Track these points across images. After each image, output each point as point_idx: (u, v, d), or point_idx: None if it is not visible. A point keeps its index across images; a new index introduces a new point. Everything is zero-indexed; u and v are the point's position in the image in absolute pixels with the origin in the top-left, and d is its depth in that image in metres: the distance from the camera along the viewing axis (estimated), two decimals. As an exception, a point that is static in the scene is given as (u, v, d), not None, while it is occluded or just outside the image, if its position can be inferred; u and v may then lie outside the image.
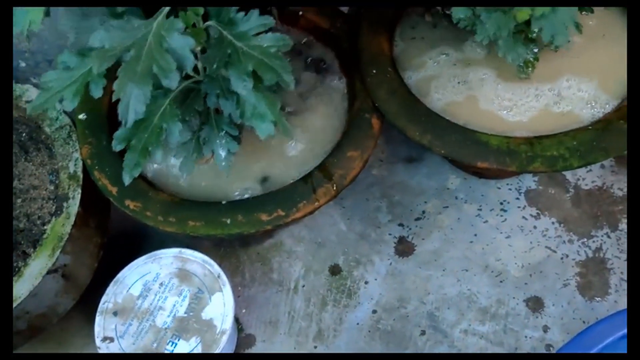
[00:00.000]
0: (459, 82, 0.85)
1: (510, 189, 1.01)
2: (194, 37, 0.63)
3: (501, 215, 1.00)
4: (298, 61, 0.92)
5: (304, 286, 0.97)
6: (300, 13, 0.92)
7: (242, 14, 0.65)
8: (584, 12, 0.77)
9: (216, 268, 0.83)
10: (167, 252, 0.84)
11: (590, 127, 0.77)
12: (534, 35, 0.70)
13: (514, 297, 0.93)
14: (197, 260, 0.83)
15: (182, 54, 0.58)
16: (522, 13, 0.64)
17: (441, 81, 0.85)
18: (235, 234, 0.77)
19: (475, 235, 0.98)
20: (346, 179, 0.81)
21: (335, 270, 0.98)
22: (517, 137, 0.78)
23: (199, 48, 0.66)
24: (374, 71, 0.85)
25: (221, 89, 0.67)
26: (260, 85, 0.62)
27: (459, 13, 0.71)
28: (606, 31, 0.84)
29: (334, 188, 0.80)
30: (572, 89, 0.81)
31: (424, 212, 1.01)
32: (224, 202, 0.78)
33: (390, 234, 1.00)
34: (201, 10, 0.65)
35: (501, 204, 1.00)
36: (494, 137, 0.78)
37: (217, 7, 0.66)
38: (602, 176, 1.01)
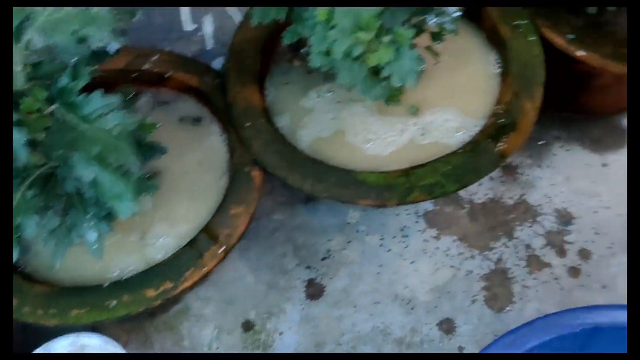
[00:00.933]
0: (332, 119, 0.85)
1: (408, 214, 1.02)
2: (36, 124, 0.60)
3: (403, 242, 1.00)
4: (172, 120, 0.90)
5: (217, 348, 0.94)
6: (168, 75, 0.90)
7: (84, 95, 0.63)
8: (436, 42, 0.80)
9: (119, 348, 0.79)
10: (61, 342, 0.79)
11: (460, 151, 0.79)
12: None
13: (426, 323, 0.93)
14: (96, 344, 0.79)
15: (15, 148, 0.55)
16: (371, 60, 0.65)
17: (314, 120, 0.85)
18: (123, 316, 0.74)
19: (381, 265, 0.99)
20: (233, 238, 0.79)
21: (248, 326, 0.95)
22: (393, 171, 0.79)
23: (43, 135, 0.63)
24: (248, 123, 0.84)
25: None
26: (111, 166, 0.60)
27: (315, 62, 0.71)
28: (462, 54, 0.87)
29: (222, 249, 0.78)
30: (438, 118, 0.83)
31: (329, 250, 1.00)
32: (106, 285, 0.75)
33: (299, 279, 0.99)
34: (44, 94, 0.63)
35: (402, 230, 1.01)
36: (371, 174, 0.78)
37: (60, 89, 0.64)
38: (493, 188, 1.03)
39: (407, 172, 0.78)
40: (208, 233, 0.79)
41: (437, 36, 0.78)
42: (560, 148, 1.06)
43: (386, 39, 0.63)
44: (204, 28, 1.01)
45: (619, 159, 1.04)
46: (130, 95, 0.88)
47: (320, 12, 0.66)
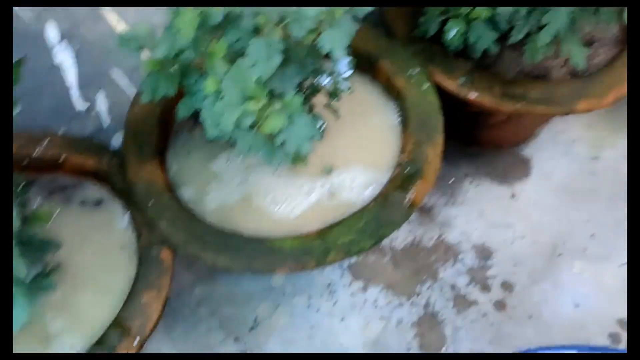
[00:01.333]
0: (239, 184, 0.83)
1: (333, 268, 1.01)
2: None
3: (331, 299, 0.98)
4: (71, 206, 0.85)
5: None
6: (62, 159, 0.85)
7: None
8: (333, 100, 0.80)
9: None
10: None
11: (371, 206, 0.78)
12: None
13: (363, 381, 0.91)
14: None
15: None
16: (265, 128, 0.63)
17: (221, 187, 0.83)
18: None
19: (312, 327, 0.96)
20: (147, 327, 0.74)
21: (177, 413, 0.89)
22: (307, 234, 0.77)
23: None
24: (151, 202, 0.80)
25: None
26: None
27: (211, 134, 0.69)
28: (363, 108, 0.88)
29: (137, 341, 0.73)
30: (346, 174, 0.82)
31: (256, 319, 0.96)
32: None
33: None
34: None
35: (328, 286, 0.99)
36: (286, 240, 0.76)
37: None
38: (412, 231, 1.04)
39: (322, 233, 0.77)
40: (118, 327, 0.73)
41: (333, 95, 0.78)
42: (471, 184, 1.08)
43: (277, 106, 0.62)
44: (98, 105, 0.97)
45: (525, 188, 1.08)
46: (21, 186, 0.82)
47: (209, 83, 0.64)
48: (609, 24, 0.75)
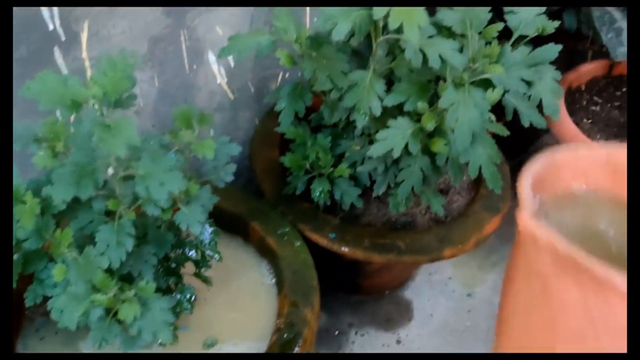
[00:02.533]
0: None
1: None
2: None
3: None
4: None
5: None
6: None
7: None
8: (202, 269, 0.76)
9: None
10: None
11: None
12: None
13: None
14: None
15: None
16: (120, 316, 0.58)
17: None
18: None
19: None
20: None
21: None
22: None
23: None
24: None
25: None
26: None
27: (64, 323, 0.62)
28: (236, 272, 0.86)
29: None
30: (222, 348, 0.77)
31: None
32: None
33: None
34: None
35: None
36: None
37: None
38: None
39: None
40: None
41: (201, 263, 0.75)
42: (356, 334, 1.06)
43: (130, 293, 0.57)
44: None
45: (409, 333, 1.07)
46: None
47: (56, 272, 0.58)
48: (455, 177, 0.81)
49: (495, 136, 0.91)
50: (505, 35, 0.79)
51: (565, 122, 1.00)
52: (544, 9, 0.78)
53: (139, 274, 0.63)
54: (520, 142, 1.43)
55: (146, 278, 0.62)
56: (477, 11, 0.71)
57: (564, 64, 1.13)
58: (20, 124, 0.56)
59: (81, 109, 0.48)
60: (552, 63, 1.02)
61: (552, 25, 0.77)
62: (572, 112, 1.04)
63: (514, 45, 0.78)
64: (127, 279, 0.62)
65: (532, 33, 0.77)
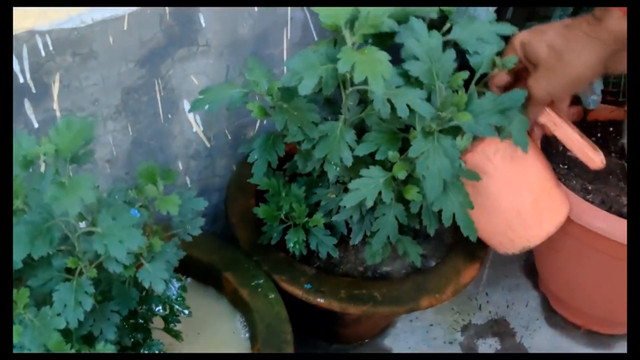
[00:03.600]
0: None
1: None
2: None
3: None
4: None
5: None
6: None
7: None
8: (172, 324, 0.74)
9: None
10: None
11: None
12: None
13: None
14: None
15: None
16: None
17: None
18: None
19: None
20: None
21: None
22: None
23: None
24: None
25: None
26: None
27: None
28: (208, 326, 0.84)
29: None
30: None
31: None
32: None
33: None
34: None
35: None
36: None
37: None
38: None
39: None
40: None
41: (170, 319, 0.73)
42: (337, 386, 1.04)
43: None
44: None
45: (391, 383, 1.05)
46: None
47: (14, 334, 0.56)
48: (430, 225, 0.80)
49: None
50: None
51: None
52: (502, 46, 0.78)
53: (101, 333, 0.60)
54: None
55: (108, 337, 0.59)
56: (443, 61, 0.71)
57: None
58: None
59: (32, 165, 0.47)
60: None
61: (512, 61, 0.77)
62: (547, 158, 1.04)
63: (478, 84, 0.79)
64: (88, 339, 0.60)
65: (490, 69, 0.77)
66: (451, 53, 0.73)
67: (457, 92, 0.72)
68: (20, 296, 0.54)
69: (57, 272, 0.59)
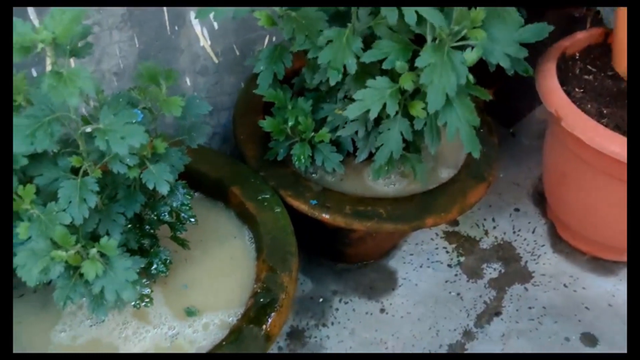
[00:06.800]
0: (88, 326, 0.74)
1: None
2: None
3: None
4: None
5: None
6: None
7: None
8: (178, 232, 0.76)
9: None
10: None
11: (224, 343, 0.72)
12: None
13: None
14: None
15: None
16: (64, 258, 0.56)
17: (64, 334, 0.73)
18: None
19: None
20: None
21: None
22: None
23: None
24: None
25: None
26: None
27: (30, 282, 0.61)
28: (216, 236, 0.85)
29: None
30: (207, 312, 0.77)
31: None
32: None
33: None
34: None
35: None
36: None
37: None
38: None
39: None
40: None
41: (176, 226, 0.74)
42: (340, 302, 1.06)
43: (92, 251, 0.56)
44: None
45: (394, 302, 1.07)
46: None
47: (21, 230, 0.58)
48: (432, 142, 0.78)
49: (489, 105, 0.88)
50: None
51: (556, 91, 0.97)
52: None
53: (107, 233, 0.62)
54: (514, 112, 1.41)
55: (114, 237, 0.61)
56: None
57: (562, 29, 1.10)
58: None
59: (30, 52, 0.47)
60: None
61: None
62: (564, 81, 1.01)
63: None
64: (95, 238, 0.62)
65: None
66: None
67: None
68: (27, 192, 0.54)
69: (63, 172, 0.59)
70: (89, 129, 0.54)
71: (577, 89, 1.03)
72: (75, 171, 0.60)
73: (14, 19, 0.48)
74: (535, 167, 1.30)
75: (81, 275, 0.58)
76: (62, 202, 0.55)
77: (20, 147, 0.50)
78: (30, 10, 0.77)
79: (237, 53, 1.02)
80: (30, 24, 0.47)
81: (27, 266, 0.53)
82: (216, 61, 1.01)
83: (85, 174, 0.59)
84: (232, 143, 1.10)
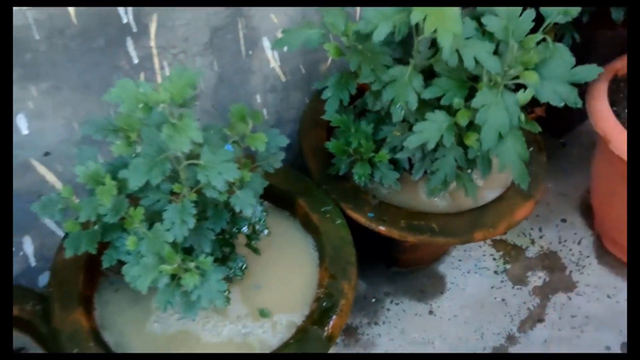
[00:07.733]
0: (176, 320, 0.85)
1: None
2: None
3: None
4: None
5: None
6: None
7: None
8: (253, 242, 0.86)
9: None
10: None
11: (291, 342, 0.82)
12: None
13: None
14: None
15: None
16: (169, 271, 0.67)
17: (153, 330, 0.85)
18: None
19: None
20: None
21: None
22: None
23: None
24: (75, 350, 0.81)
25: None
26: None
27: (137, 286, 0.72)
28: (284, 244, 0.95)
29: None
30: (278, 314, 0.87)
31: None
32: None
33: None
34: None
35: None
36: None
37: None
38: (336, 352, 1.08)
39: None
40: None
41: (252, 237, 0.84)
42: (392, 303, 1.15)
43: (191, 265, 0.67)
44: (25, 247, 0.99)
45: (441, 304, 1.15)
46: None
47: (130, 242, 0.69)
48: (484, 171, 0.85)
49: (540, 116, 0.90)
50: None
51: (605, 114, 1.02)
52: None
53: (199, 246, 0.72)
54: (565, 122, 1.45)
55: (205, 250, 0.71)
56: (520, 21, 0.74)
57: (614, 51, 1.14)
58: (102, 118, 0.66)
59: (152, 110, 0.57)
60: (600, 51, 1.04)
61: (575, 10, 0.76)
62: (613, 102, 1.05)
63: (545, 32, 0.79)
64: (188, 250, 0.72)
65: (558, 19, 0.77)
66: (530, 13, 0.75)
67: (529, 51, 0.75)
68: (137, 213, 0.66)
69: (163, 195, 0.70)
70: (190, 163, 0.64)
71: (626, 110, 1.07)
72: (173, 194, 0.70)
73: (140, 81, 0.58)
74: (584, 179, 1.34)
75: (179, 283, 0.69)
76: (166, 223, 0.66)
77: (139, 182, 0.61)
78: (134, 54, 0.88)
79: (303, 72, 1.11)
80: (150, 86, 0.57)
81: (142, 278, 0.64)
82: (284, 80, 1.10)
83: (183, 197, 0.69)
84: (295, 151, 1.20)
